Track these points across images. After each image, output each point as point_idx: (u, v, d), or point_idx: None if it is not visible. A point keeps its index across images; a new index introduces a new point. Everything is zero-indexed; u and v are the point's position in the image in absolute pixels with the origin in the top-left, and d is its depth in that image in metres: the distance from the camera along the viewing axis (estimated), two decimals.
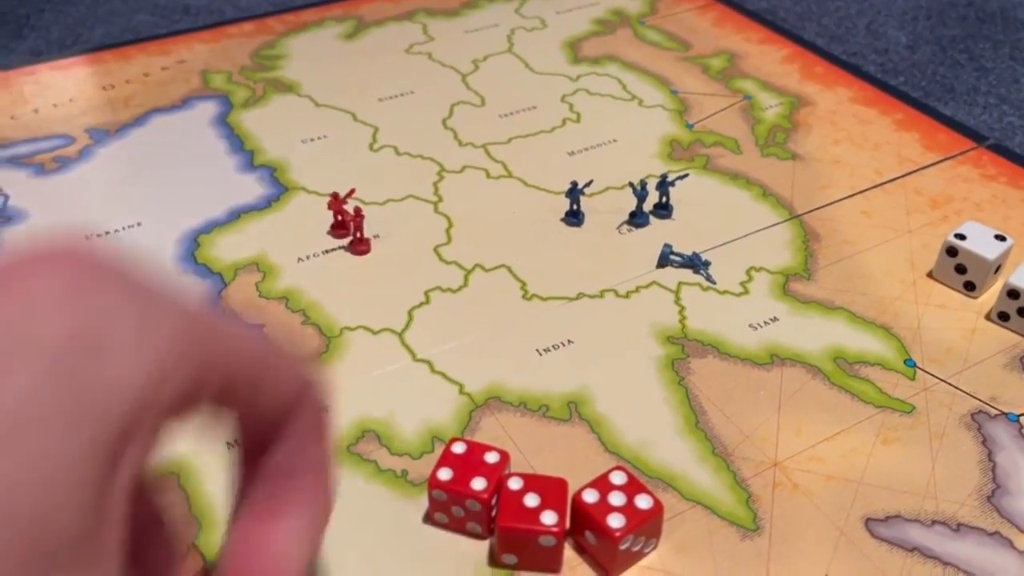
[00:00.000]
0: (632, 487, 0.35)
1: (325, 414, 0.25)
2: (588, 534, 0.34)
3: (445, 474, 0.35)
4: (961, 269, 0.48)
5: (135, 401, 0.19)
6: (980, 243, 0.47)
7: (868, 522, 0.37)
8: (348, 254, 0.51)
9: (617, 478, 0.35)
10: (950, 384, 0.43)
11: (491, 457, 0.36)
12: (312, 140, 0.61)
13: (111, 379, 0.19)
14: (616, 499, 0.34)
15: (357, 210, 0.50)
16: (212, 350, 0.21)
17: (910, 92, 0.68)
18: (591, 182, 0.54)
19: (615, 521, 0.33)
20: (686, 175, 0.55)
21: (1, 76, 0.67)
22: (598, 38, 0.73)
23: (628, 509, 0.34)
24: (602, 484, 0.35)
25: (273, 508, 0.25)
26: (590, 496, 0.34)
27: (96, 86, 0.66)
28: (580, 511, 0.34)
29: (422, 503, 0.37)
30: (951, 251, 0.48)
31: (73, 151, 0.59)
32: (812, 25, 0.78)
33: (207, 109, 0.64)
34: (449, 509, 0.35)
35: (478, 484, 0.35)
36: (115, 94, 0.65)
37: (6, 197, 0.55)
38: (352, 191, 0.53)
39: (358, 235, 0.51)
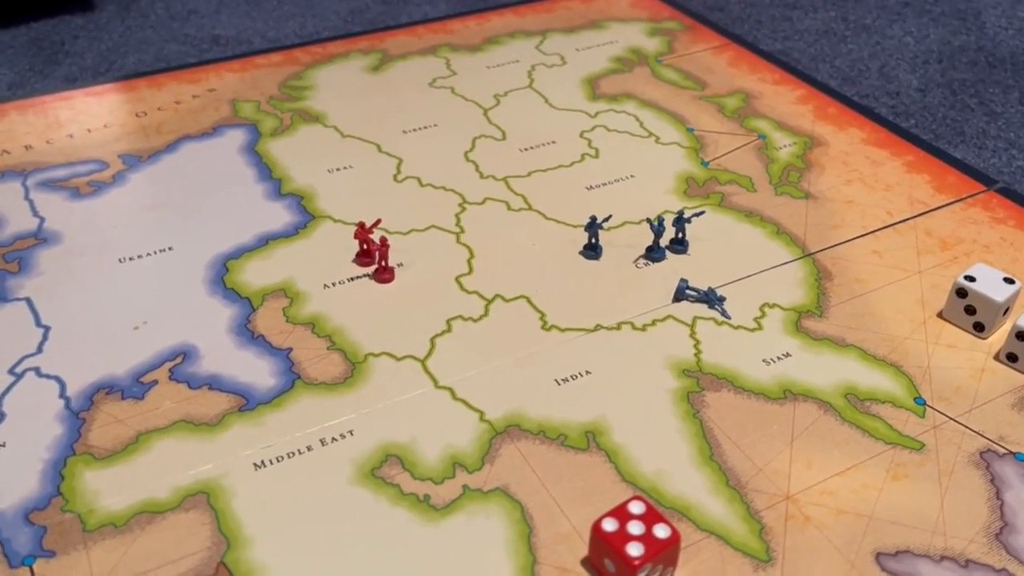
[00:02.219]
0: (650, 516, 0.36)
1: None
2: (607, 562, 0.35)
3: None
4: (971, 310, 0.49)
5: None
6: (989, 285, 0.49)
7: (879, 556, 0.38)
8: (372, 282, 0.52)
9: (636, 507, 0.36)
10: (959, 423, 0.44)
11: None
12: (338, 170, 0.62)
13: None
14: (635, 528, 0.35)
15: (383, 239, 0.52)
16: None
17: (921, 135, 0.69)
18: (610, 217, 0.56)
19: (634, 550, 0.34)
20: (702, 212, 0.56)
21: (37, 101, 0.69)
22: (616, 75, 0.75)
23: (647, 538, 0.35)
24: (621, 513, 0.36)
25: None
26: (609, 525, 0.35)
27: (129, 113, 0.68)
28: (599, 539, 0.35)
29: (443, 527, 0.39)
30: (961, 292, 0.49)
31: (107, 176, 0.61)
32: (826, 67, 0.79)
33: (236, 137, 0.66)
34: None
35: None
36: (147, 121, 0.67)
37: (41, 219, 0.57)
38: (378, 221, 0.54)
39: (383, 264, 0.52)
